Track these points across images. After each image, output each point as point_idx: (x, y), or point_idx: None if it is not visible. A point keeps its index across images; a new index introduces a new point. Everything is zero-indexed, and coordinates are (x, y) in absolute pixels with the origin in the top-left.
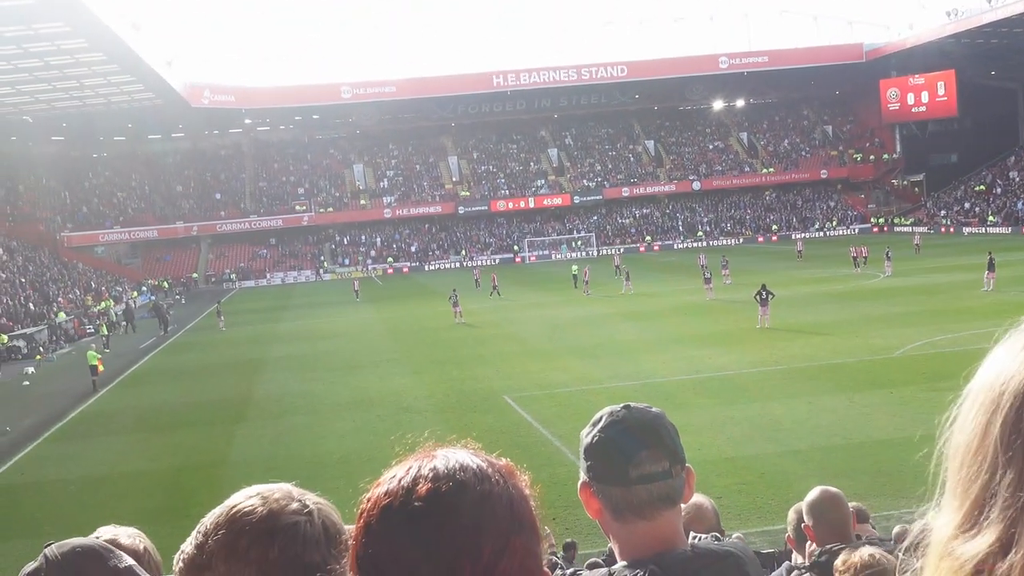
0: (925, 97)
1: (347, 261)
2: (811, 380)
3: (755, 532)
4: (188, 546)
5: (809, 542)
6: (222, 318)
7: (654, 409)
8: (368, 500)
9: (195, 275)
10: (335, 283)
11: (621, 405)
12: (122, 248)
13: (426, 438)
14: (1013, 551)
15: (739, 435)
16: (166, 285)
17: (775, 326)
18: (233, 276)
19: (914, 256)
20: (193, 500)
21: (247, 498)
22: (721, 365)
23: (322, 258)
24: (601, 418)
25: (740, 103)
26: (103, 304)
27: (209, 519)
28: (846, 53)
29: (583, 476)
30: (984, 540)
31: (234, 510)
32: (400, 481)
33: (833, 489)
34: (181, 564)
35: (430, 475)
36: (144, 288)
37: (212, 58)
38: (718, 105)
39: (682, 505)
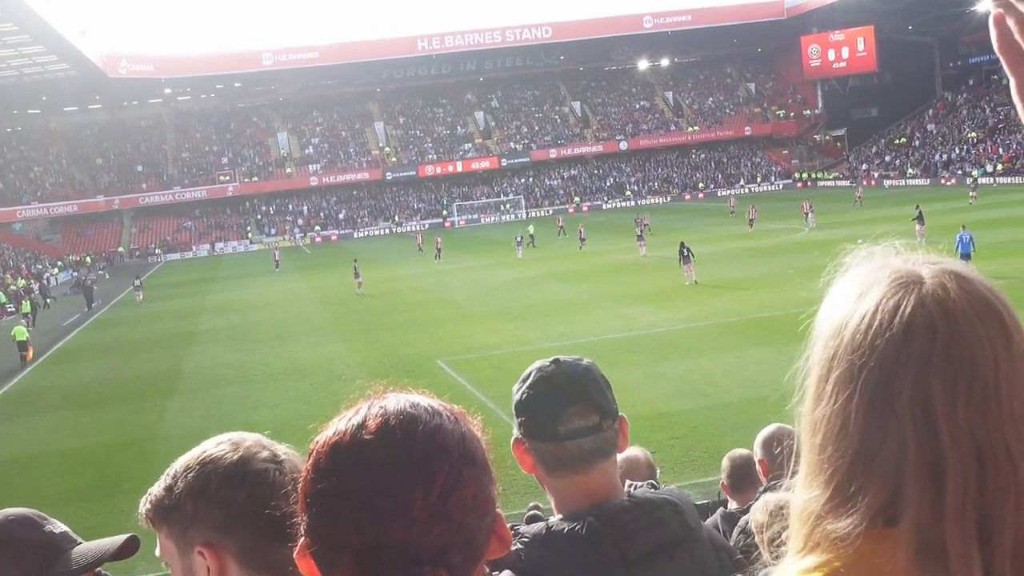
0: (845, 53)
1: (274, 231)
2: (740, 334)
3: (689, 484)
4: (156, 488)
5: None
6: (140, 293)
7: (584, 362)
8: (317, 441)
9: (120, 249)
10: (263, 253)
11: (551, 359)
12: (41, 224)
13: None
14: (892, 523)
15: (671, 390)
16: (88, 260)
17: (704, 282)
18: (158, 250)
19: (855, 208)
20: (125, 476)
21: (217, 444)
22: (652, 322)
23: (248, 228)
24: (530, 374)
25: (665, 62)
26: (21, 282)
27: (178, 463)
28: (768, 10)
29: (515, 432)
30: (862, 515)
31: (205, 454)
32: (349, 420)
33: (787, 426)
34: (148, 506)
35: (380, 412)
36: (61, 264)
37: (129, 27)
38: (643, 65)
39: (617, 455)
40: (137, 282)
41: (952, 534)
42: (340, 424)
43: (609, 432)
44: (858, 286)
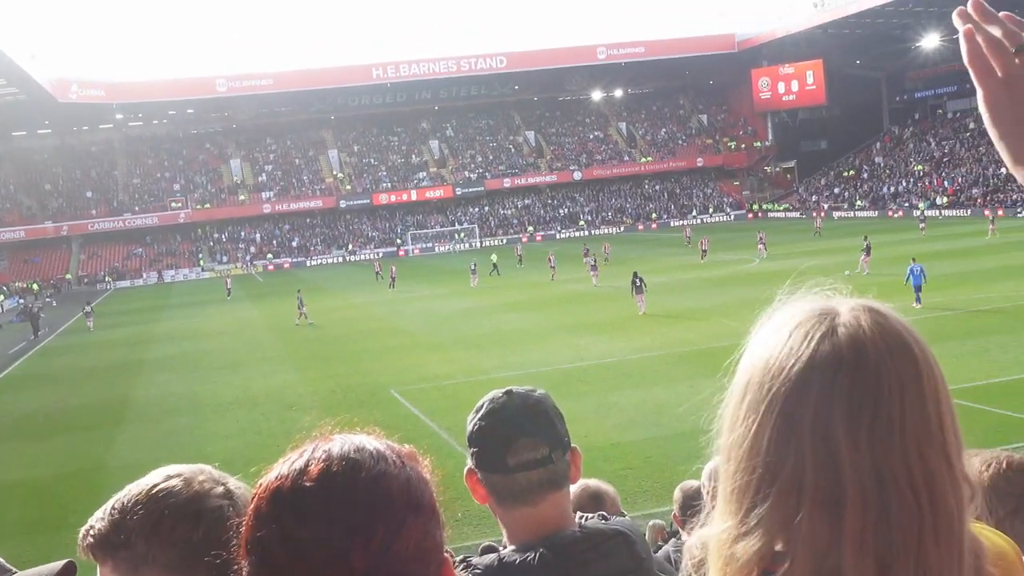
0: (795, 86)
1: (226, 258)
2: (693, 364)
3: (643, 515)
4: (99, 523)
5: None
6: (91, 319)
7: (537, 393)
8: (260, 486)
9: (68, 276)
10: (214, 281)
11: (503, 391)
12: None
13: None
14: (792, 548)
15: (624, 420)
16: (36, 288)
17: (658, 312)
18: (107, 277)
19: (812, 239)
20: (71, 509)
21: (167, 478)
22: (605, 352)
23: (200, 256)
24: (483, 405)
25: (618, 93)
26: None
27: (125, 497)
28: (719, 43)
29: (468, 463)
30: (760, 539)
31: (156, 489)
32: (292, 464)
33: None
34: (91, 539)
35: (323, 456)
36: (6, 290)
37: (81, 52)
38: (597, 95)
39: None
40: (88, 308)
41: (850, 563)
42: (282, 468)
43: (560, 464)
44: (778, 321)
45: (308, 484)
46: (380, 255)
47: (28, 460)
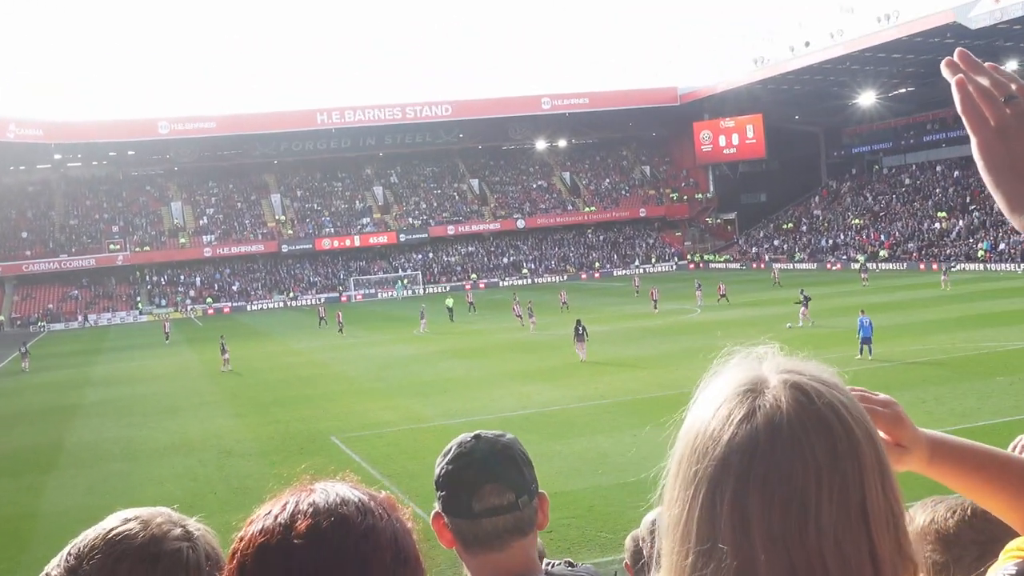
0: (736, 139)
1: (165, 302)
2: (636, 413)
3: (588, 564)
4: (55, 570)
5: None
6: (26, 360)
7: (505, 438)
8: (242, 539)
9: (0, 318)
10: (153, 324)
11: (472, 434)
12: None
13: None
14: None
15: (567, 469)
16: None
17: (602, 360)
18: (42, 323)
19: (772, 288)
20: None
21: (124, 522)
22: (548, 400)
23: (138, 299)
24: (451, 449)
25: (562, 143)
26: None
27: (81, 542)
28: (662, 96)
29: (436, 506)
30: None
31: (112, 533)
32: (277, 518)
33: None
34: None
35: (309, 510)
36: None
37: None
38: (541, 145)
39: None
40: (24, 349)
41: None
42: (267, 522)
43: (526, 510)
44: (712, 391)
45: (298, 542)
46: (322, 300)
47: None
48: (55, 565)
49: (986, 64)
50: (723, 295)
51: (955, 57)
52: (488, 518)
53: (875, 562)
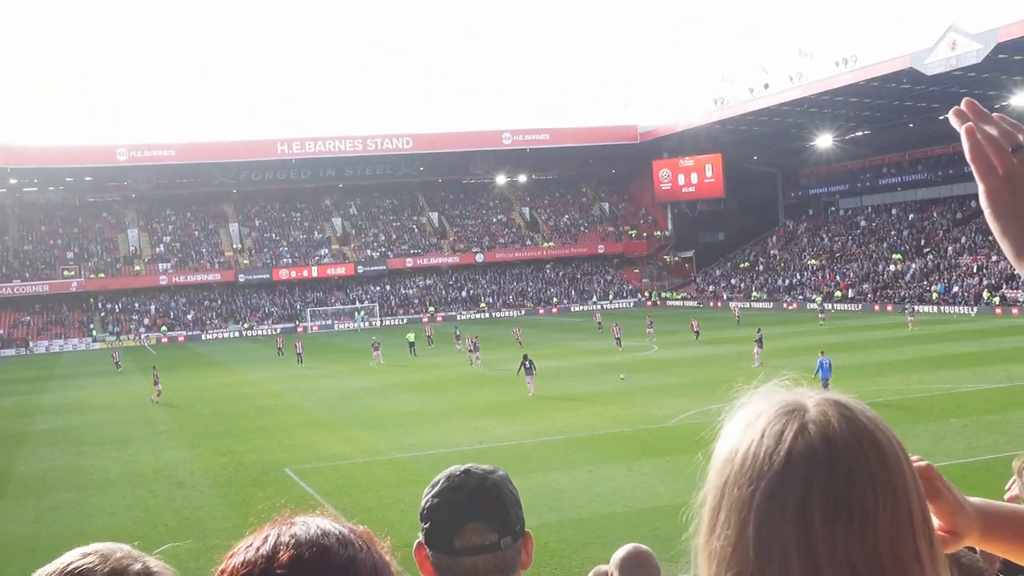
0: (694, 178)
1: (118, 329)
2: (591, 449)
3: None
4: None
5: None
6: None
7: (496, 474)
8: (223, 572)
9: None
10: (106, 352)
11: (463, 468)
12: None
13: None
14: None
15: (523, 505)
16: None
17: (558, 395)
18: None
19: (734, 327)
20: None
21: (83, 556)
22: (504, 435)
23: (92, 326)
24: (439, 481)
25: (523, 178)
26: None
27: None
28: (622, 134)
29: (419, 537)
30: None
31: (70, 566)
32: (259, 550)
33: (643, 547)
34: None
35: (291, 542)
36: None
37: None
38: (501, 179)
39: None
40: None
41: None
42: (248, 554)
43: (508, 551)
44: (747, 416)
45: (280, 572)
46: (279, 331)
47: None
48: None
49: (994, 114)
50: (696, 332)
51: (963, 106)
52: (469, 556)
53: (920, 563)
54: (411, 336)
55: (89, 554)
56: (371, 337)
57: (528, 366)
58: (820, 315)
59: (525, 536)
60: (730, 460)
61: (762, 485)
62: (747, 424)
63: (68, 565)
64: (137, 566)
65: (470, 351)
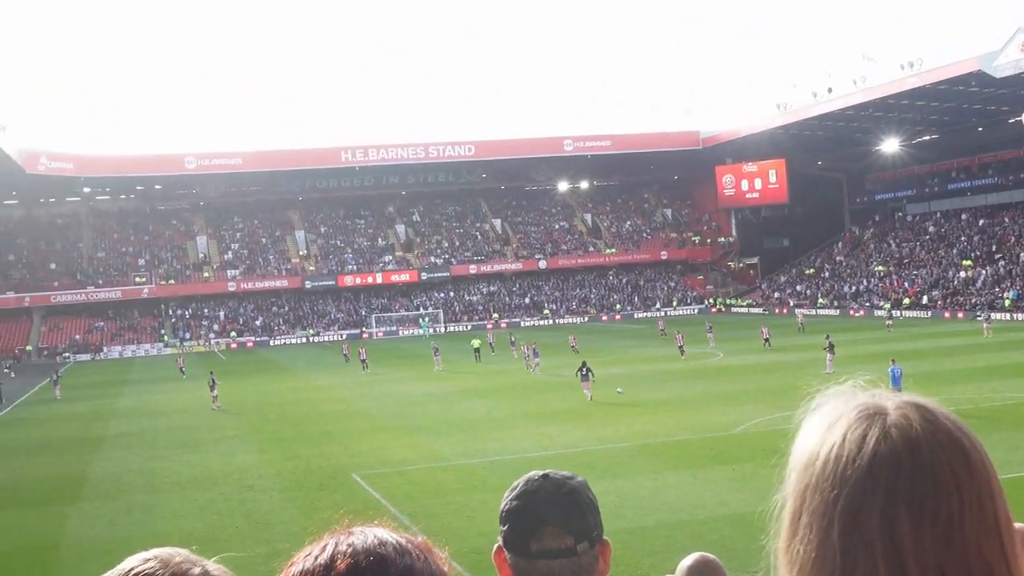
0: (758, 184)
1: (189, 335)
2: (656, 456)
3: None
4: None
5: None
6: (58, 387)
7: (574, 480)
8: None
9: (28, 348)
10: (176, 357)
11: (541, 473)
12: None
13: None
14: None
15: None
16: None
17: (622, 402)
18: (67, 354)
19: (797, 334)
20: None
21: (144, 561)
22: (568, 442)
23: (163, 331)
24: (519, 484)
25: (584, 185)
26: None
27: None
28: (684, 140)
29: (499, 540)
30: None
31: (132, 571)
32: (317, 559)
33: (711, 555)
34: None
35: (348, 551)
36: None
37: (51, 124)
38: (563, 186)
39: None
40: (55, 376)
41: None
42: (307, 563)
43: (584, 557)
44: (826, 419)
45: None
46: (344, 337)
47: None
48: None
49: None
50: (767, 339)
51: None
52: (545, 560)
53: (1008, 566)
54: (476, 342)
55: (150, 559)
56: (440, 344)
57: (585, 372)
58: (888, 322)
59: (603, 543)
60: (811, 464)
61: (845, 491)
62: (827, 427)
63: (130, 570)
64: (196, 570)
65: (526, 358)
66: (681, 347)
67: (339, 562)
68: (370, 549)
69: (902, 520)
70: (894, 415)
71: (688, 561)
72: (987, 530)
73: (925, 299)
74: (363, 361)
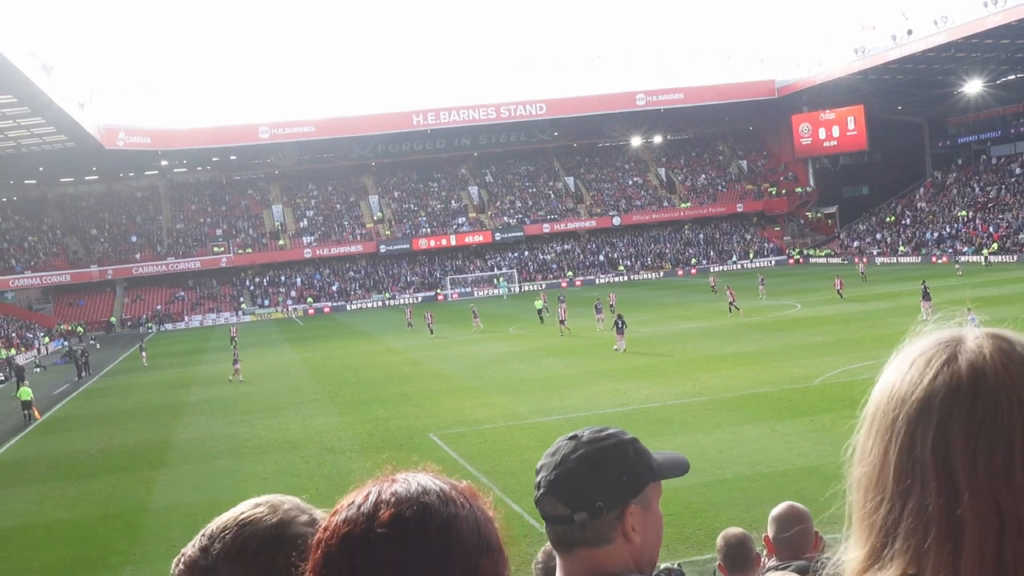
0: (836, 131)
1: (267, 302)
2: (734, 410)
3: (685, 563)
4: (190, 549)
5: (767, 554)
6: (145, 355)
7: (599, 444)
8: (326, 529)
9: (112, 319)
10: (255, 324)
11: (570, 435)
12: (33, 293)
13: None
14: None
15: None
16: (80, 330)
17: (699, 356)
18: (151, 324)
19: (860, 283)
20: (111, 549)
21: (255, 506)
22: (645, 397)
23: (242, 299)
24: (555, 445)
25: (657, 139)
26: (2, 353)
27: (214, 524)
28: (759, 89)
29: None
30: (893, 571)
31: (243, 516)
32: (360, 508)
33: (799, 505)
34: (181, 567)
35: (392, 500)
36: (52, 334)
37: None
38: (636, 141)
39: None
40: (142, 344)
41: None
42: (350, 512)
43: (581, 529)
44: (906, 352)
45: (381, 531)
46: (419, 299)
47: (69, 500)
48: (190, 545)
49: None
50: (839, 291)
51: None
52: (550, 525)
53: None
54: (539, 303)
55: (260, 504)
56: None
57: (620, 325)
58: (956, 267)
59: (626, 511)
60: (881, 391)
61: (904, 414)
62: (903, 358)
63: (241, 514)
64: (304, 517)
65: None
66: (731, 303)
67: (382, 511)
68: (414, 497)
69: (955, 448)
70: (971, 343)
71: (778, 509)
72: None
73: (1011, 243)
74: (429, 326)
